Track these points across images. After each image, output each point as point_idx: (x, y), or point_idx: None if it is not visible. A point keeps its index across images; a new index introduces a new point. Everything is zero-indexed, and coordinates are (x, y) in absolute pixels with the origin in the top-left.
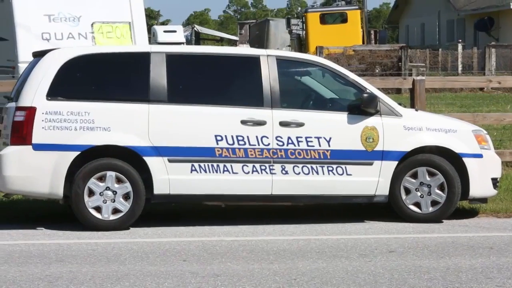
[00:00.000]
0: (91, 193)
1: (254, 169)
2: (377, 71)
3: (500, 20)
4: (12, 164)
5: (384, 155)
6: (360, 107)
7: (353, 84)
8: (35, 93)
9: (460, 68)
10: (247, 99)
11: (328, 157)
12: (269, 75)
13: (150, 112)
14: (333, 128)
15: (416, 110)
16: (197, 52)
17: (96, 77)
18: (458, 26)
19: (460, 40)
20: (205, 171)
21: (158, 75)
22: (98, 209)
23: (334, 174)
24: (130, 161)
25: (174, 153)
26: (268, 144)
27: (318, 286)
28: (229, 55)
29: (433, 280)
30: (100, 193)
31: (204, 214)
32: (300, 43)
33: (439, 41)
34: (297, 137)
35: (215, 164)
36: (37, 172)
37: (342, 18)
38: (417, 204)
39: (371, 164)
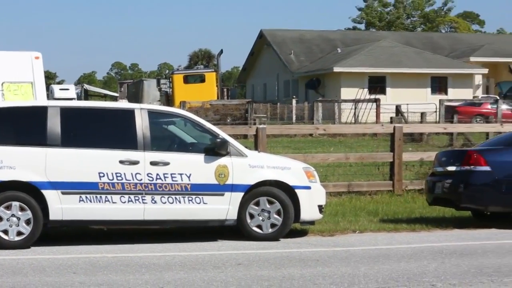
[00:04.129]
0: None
1: (130, 200)
2: (228, 120)
3: (326, 80)
4: None
5: (233, 188)
6: (214, 149)
7: (209, 131)
8: None
9: (294, 118)
10: (125, 143)
11: (189, 189)
12: (142, 124)
13: (47, 154)
14: (192, 166)
15: (259, 151)
16: (86, 106)
17: (4, 126)
18: (293, 85)
19: (294, 96)
20: (91, 201)
21: (54, 124)
22: (5, 232)
23: (193, 203)
24: (31, 193)
25: (66, 187)
26: (141, 180)
27: None
28: (111, 108)
29: (272, 286)
30: (7, 219)
31: (90, 236)
32: (168, 99)
33: (277, 97)
34: (164, 174)
35: (98, 196)
36: None
37: (201, 79)
38: (259, 226)
39: (222, 195)
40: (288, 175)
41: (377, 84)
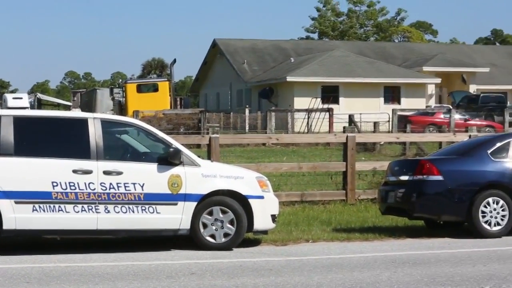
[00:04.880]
0: None
1: (83, 209)
2: (181, 130)
3: (279, 89)
4: None
5: (186, 197)
6: (167, 159)
7: (162, 140)
8: None
9: (247, 128)
10: (78, 152)
11: (142, 199)
12: (95, 133)
13: (0, 163)
14: (146, 176)
15: (212, 161)
16: (39, 115)
17: None
18: (246, 95)
19: (247, 106)
20: (44, 211)
21: (7, 133)
22: None
23: (146, 212)
24: None
25: (20, 196)
26: (94, 189)
27: None
28: (64, 117)
29: None
30: None
31: (43, 245)
32: (121, 108)
33: (230, 106)
34: (117, 183)
35: (51, 205)
36: None
37: (154, 88)
38: (212, 236)
39: (176, 204)
40: (241, 184)
41: (330, 94)
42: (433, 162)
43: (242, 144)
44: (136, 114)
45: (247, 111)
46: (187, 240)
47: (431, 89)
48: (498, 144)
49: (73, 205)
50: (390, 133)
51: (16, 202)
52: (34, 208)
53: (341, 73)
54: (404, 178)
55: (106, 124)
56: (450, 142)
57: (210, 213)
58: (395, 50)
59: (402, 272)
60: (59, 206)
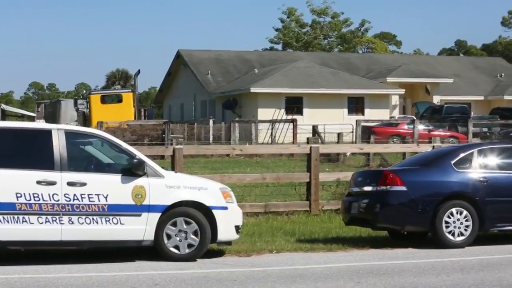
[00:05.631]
0: None
1: (47, 220)
2: (145, 141)
3: (243, 100)
4: None
5: (150, 208)
6: (131, 170)
7: (126, 151)
8: None
9: (211, 139)
10: (42, 163)
11: (106, 210)
12: (59, 144)
13: None
14: (109, 187)
15: (176, 172)
16: (3, 126)
17: None
18: (210, 105)
19: (212, 117)
20: (8, 222)
21: None
22: None
23: (110, 223)
24: None
25: None
26: (58, 200)
27: None
28: (28, 128)
29: None
30: None
31: (7, 256)
32: (85, 119)
33: (194, 117)
34: (81, 194)
35: (16, 216)
36: None
37: (118, 99)
38: (176, 247)
39: (140, 215)
40: (205, 195)
41: (294, 105)
42: (396, 172)
43: (206, 155)
44: (100, 125)
45: (211, 122)
46: (151, 251)
47: (395, 100)
48: (462, 155)
49: (37, 216)
50: (353, 143)
51: None
52: None
53: (305, 84)
54: (368, 188)
55: (70, 135)
56: (414, 152)
57: (174, 224)
58: (359, 61)
59: (366, 283)
60: (23, 217)
